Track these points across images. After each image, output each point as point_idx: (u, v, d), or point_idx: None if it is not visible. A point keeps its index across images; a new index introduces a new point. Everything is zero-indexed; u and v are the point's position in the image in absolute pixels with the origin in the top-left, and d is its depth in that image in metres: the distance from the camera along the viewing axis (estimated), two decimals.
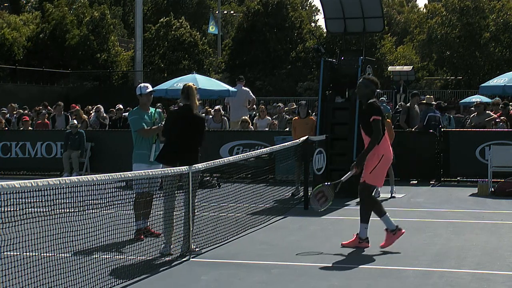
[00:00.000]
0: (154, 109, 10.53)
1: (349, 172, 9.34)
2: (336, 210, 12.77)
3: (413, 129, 17.57)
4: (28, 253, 6.64)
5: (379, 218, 9.26)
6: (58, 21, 45.92)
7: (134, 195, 9.85)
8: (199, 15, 65.50)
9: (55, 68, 41.58)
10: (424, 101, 18.03)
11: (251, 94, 21.01)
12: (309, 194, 13.19)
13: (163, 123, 9.97)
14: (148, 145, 10.12)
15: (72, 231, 7.29)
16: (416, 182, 16.95)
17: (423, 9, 57.25)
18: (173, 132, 9.30)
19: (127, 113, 22.36)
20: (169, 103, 30.03)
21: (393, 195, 14.33)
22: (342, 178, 9.37)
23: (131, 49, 51.07)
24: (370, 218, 9.38)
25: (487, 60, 46.41)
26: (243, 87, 20.44)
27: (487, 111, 18.50)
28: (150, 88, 10.33)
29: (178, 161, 8.95)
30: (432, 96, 19.47)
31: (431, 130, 17.02)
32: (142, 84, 10.53)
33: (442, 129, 17.27)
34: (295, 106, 21.87)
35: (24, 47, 45.63)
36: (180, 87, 17.67)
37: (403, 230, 9.22)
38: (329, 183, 9.49)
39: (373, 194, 9.50)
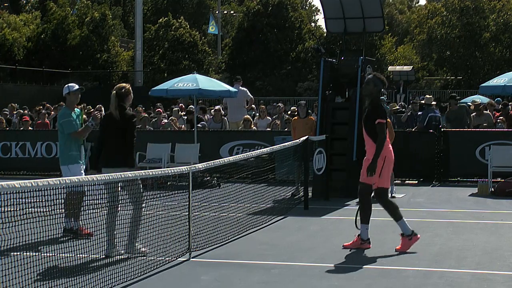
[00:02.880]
0: (78, 109, 10.70)
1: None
2: (336, 210, 12.78)
3: (413, 129, 17.58)
4: (28, 253, 6.64)
5: (394, 221, 9.18)
6: (60, 21, 45.91)
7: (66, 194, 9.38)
8: (199, 15, 65.44)
9: (55, 68, 41.57)
10: (424, 101, 18.04)
11: (249, 93, 21.01)
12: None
13: (88, 123, 10.31)
14: (78, 146, 10.34)
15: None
16: (416, 182, 16.95)
17: (422, 9, 57.19)
18: (102, 136, 9.33)
19: None
20: (169, 103, 30.07)
21: (393, 195, 14.30)
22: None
23: (131, 49, 51.05)
24: (371, 218, 9.35)
25: (487, 60, 46.43)
26: (240, 87, 20.42)
27: (485, 112, 18.50)
28: (77, 86, 10.45)
29: (110, 163, 8.93)
30: (431, 96, 19.47)
31: (431, 130, 17.02)
32: (69, 84, 10.66)
33: (442, 129, 17.28)
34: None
35: (24, 47, 45.61)
36: (180, 87, 17.72)
37: (418, 235, 9.14)
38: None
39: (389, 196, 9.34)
